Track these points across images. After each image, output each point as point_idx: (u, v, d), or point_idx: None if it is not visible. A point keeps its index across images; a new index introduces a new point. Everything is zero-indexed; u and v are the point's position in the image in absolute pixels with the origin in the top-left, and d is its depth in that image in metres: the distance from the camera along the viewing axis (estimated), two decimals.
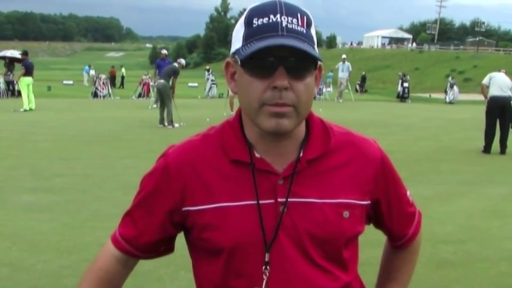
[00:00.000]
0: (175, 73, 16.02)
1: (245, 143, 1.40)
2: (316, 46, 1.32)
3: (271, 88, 1.28)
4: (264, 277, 1.35)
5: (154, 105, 20.61)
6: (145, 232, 1.47)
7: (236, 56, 1.32)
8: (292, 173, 1.37)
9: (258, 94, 1.29)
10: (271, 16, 1.28)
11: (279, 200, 1.36)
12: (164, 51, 21.19)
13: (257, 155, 1.39)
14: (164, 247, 1.53)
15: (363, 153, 1.45)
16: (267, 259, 1.35)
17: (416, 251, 1.67)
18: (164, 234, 1.47)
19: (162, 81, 15.90)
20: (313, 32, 1.33)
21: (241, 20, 1.33)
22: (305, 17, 1.31)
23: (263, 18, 1.28)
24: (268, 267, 1.35)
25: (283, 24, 1.27)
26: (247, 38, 1.29)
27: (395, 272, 1.66)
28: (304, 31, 1.29)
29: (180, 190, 1.40)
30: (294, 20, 1.28)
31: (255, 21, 1.29)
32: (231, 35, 1.39)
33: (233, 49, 1.35)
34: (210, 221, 1.37)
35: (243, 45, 1.30)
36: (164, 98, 15.61)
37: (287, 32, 1.27)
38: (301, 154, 1.39)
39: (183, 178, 1.40)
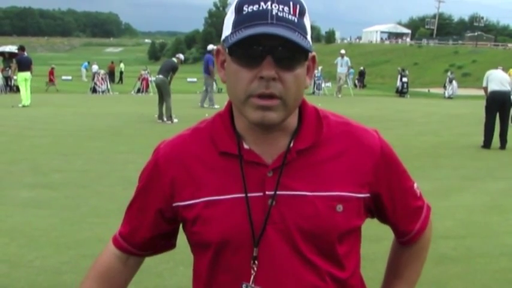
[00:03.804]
0: (174, 69, 16.02)
1: (234, 134, 1.36)
2: (309, 36, 1.27)
3: (258, 78, 1.23)
4: (252, 272, 1.32)
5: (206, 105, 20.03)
6: (139, 229, 1.47)
7: (225, 44, 1.28)
8: (282, 165, 1.33)
9: (244, 84, 1.25)
10: (262, 3, 1.23)
11: (267, 192, 1.32)
12: (210, 47, 20.68)
13: (246, 147, 1.35)
14: (163, 243, 1.52)
15: (361, 143, 1.39)
16: (255, 254, 1.31)
17: (425, 247, 1.59)
18: (158, 230, 1.46)
19: (160, 76, 15.87)
20: (306, 21, 1.28)
21: (232, 7, 1.29)
22: (298, 5, 1.25)
23: (253, 5, 1.23)
24: (256, 262, 1.31)
25: (273, 12, 1.22)
26: (236, 25, 1.25)
27: (403, 270, 1.59)
28: (296, 20, 1.24)
29: (169, 186, 1.38)
30: (286, 8, 1.23)
31: (245, 8, 1.24)
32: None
33: (223, 36, 1.30)
34: (198, 215, 1.35)
35: (231, 33, 1.25)
36: (163, 94, 15.60)
37: (277, 20, 1.22)
38: (291, 145, 1.35)
39: (171, 174, 1.38)
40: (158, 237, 1.48)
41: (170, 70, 15.90)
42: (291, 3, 1.24)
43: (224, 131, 1.37)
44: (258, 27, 1.21)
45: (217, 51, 1.36)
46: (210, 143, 1.38)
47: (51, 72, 34.83)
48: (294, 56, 1.25)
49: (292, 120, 1.35)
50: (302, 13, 1.26)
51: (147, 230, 1.46)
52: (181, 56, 17.46)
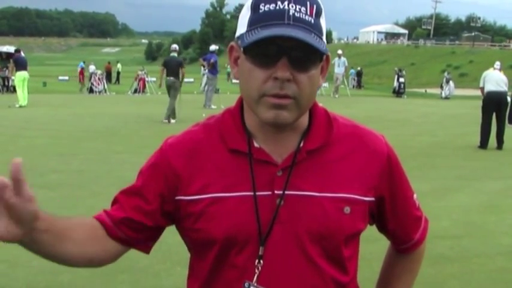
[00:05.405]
0: (180, 65, 16.29)
1: (244, 131, 1.35)
2: (324, 37, 1.26)
3: (273, 79, 1.22)
4: (257, 271, 1.30)
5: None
6: (125, 208, 1.39)
7: (239, 42, 1.27)
8: (291, 164, 1.32)
9: (258, 84, 1.24)
10: (279, 3, 1.21)
11: (276, 192, 1.30)
12: (213, 47, 21.04)
13: (256, 145, 1.34)
14: (139, 237, 1.41)
15: (368, 147, 1.39)
16: (260, 253, 1.30)
17: (419, 259, 1.59)
18: (153, 221, 1.38)
19: (172, 78, 15.98)
20: (322, 21, 1.26)
21: (248, 3, 1.27)
22: (315, 6, 1.24)
23: (270, 4, 1.22)
24: (261, 261, 1.30)
25: (290, 13, 1.20)
26: (252, 24, 1.23)
27: (396, 281, 1.58)
28: (313, 21, 1.23)
29: (174, 180, 1.35)
30: (303, 9, 1.22)
31: (261, 6, 1.23)
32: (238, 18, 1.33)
33: (238, 33, 1.29)
34: (203, 211, 1.32)
35: (247, 31, 1.24)
36: (171, 94, 15.78)
37: (293, 21, 1.20)
38: (301, 144, 1.34)
39: (179, 165, 1.35)
40: (149, 227, 1.39)
41: (179, 67, 16.09)
42: (308, 3, 1.23)
43: (234, 128, 1.36)
44: (274, 28, 1.19)
45: (231, 47, 1.35)
46: (219, 139, 1.36)
47: (81, 72, 34.94)
48: (309, 57, 1.24)
49: (303, 120, 1.35)
50: (319, 13, 1.25)
51: (143, 216, 1.37)
52: (176, 47, 17.41)
